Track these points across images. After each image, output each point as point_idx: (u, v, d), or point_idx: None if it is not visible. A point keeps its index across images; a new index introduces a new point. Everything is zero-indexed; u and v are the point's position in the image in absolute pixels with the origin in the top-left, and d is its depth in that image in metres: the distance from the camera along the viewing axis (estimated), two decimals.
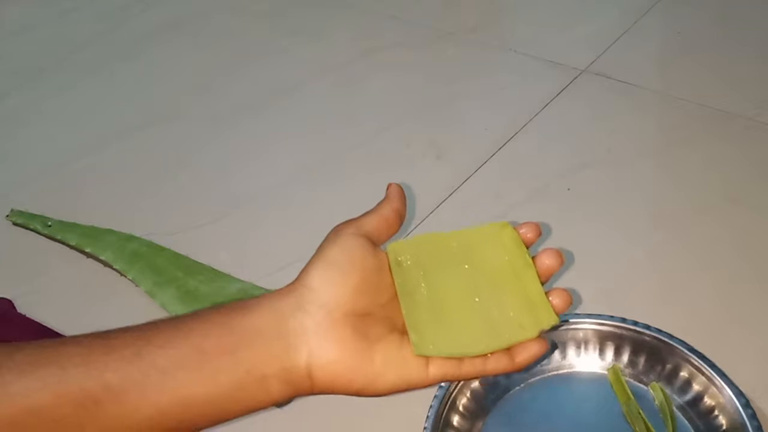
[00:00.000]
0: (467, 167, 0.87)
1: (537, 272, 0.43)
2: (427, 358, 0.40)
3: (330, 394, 0.41)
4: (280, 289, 0.41)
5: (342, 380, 0.39)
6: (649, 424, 0.54)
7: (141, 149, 0.96)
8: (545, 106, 0.95)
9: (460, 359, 0.41)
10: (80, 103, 1.06)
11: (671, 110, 0.94)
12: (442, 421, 0.55)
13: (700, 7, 1.11)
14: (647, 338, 0.58)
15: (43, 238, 0.83)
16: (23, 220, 0.84)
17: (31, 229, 0.83)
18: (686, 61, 1.02)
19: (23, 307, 0.70)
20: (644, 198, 0.82)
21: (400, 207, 0.45)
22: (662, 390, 0.57)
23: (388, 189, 0.46)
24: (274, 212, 0.85)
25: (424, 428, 0.54)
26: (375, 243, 0.43)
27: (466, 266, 0.44)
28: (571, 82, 0.98)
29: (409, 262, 0.43)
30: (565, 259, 0.44)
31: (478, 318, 0.42)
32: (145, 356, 0.36)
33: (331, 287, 0.39)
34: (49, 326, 0.65)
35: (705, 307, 0.68)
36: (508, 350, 0.42)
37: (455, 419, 0.57)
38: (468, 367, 0.41)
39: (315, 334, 0.39)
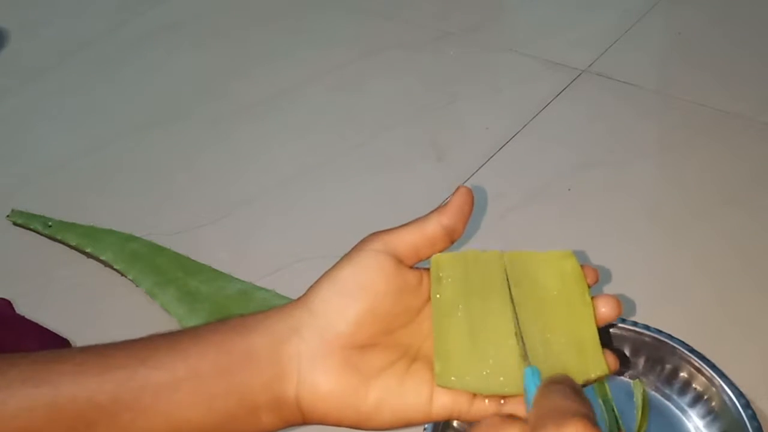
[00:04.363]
0: (467, 167, 0.87)
1: (595, 314, 0.38)
2: (431, 393, 0.37)
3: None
4: (285, 305, 0.38)
5: (332, 416, 0.36)
6: (621, 422, 0.54)
7: (141, 149, 0.96)
8: (545, 107, 0.95)
9: (472, 399, 0.37)
10: (80, 103, 1.06)
11: (671, 110, 0.94)
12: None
13: (700, 7, 1.11)
14: (647, 338, 0.58)
15: (44, 238, 0.83)
16: (23, 220, 0.84)
17: (32, 229, 0.83)
18: (686, 61, 1.02)
19: (23, 308, 0.70)
20: (644, 198, 0.82)
21: (453, 223, 0.38)
22: (643, 388, 0.57)
23: (454, 192, 0.39)
24: (274, 212, 0.85)
25: (424, 429, 0.54)
26: (405, 262, 0.38)
27: (515, 293, 0.38)
28: (571, 83, 0.98)
29: (450, 279, 0.38)
30: (623, 310, 0.39)
31: (515, 353, 0.36)
32: (139, 377, 0.35)
33: (332, 314, 0.36)
34: (48, 327, 0.65)
35: (705, 307, 0.68)
36: (515, 416, 0.36)
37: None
38: (479, 409, 0.37)
39: (306, 363, 0.36)
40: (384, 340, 0.37)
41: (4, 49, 1.19)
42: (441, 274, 0.39)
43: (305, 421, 0.37)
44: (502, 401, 0.37)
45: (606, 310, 0.38)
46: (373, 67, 1.07)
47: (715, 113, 0.91)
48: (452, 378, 0.36)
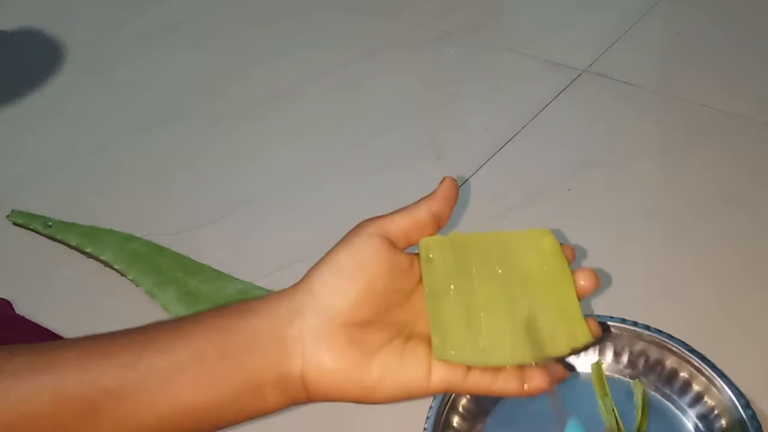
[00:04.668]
0: (467, 167, 0.87)
1: (575, 287, 0.40)
2: (429, 368, 0.39)
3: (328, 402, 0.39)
4: (285, 289, 0.39)
5: (337, 390, 0.38)
6: (620, 421, 0.55)
7: (141, 149, 0.96)
8: (546, 107, 0.95)
9: (467, 372, 0.39)
10: (81, 104, 1.06)
11: (671, 110, 0.94)
12: (442, 421, 0.55)
13: (700, 7, 1.11)
14: (647, 338, 0.58)
15: (43, 238, 0.83)
16: (23, 220, 0.84)
17: (32, 229, 0.84)
18: (686, 61, 1.02)
19: (23, 308, 0.70)
20: (644, 198, 0.82)
21: (440, 209, 0.41)
22: (643, 387, 0.57)
23: (440, 183, 0.42)
24: (274, 212, 0.85)
25: (424, 429, 0.54)
26: (398, 245, 0.40)
27: (501, 270, 0.41)
28: (571, 83, 0.98)
29: (440, 260, 0.40)
30: (600, 282, 0.41)
31: (507, 325, 0.39)
32: (143, 361, 0.36)
33: (332, 294, 0.38)
34: (48, 327, 0.65)
35: (705, 307, 0.68)
36: (520, 373, 0.39)
37: (455, 420, 0.57)
38: (474, 382, 0.39)
39: (310, 342, 0.37)
40: (381, 319, 0.39)
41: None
42: (431, 255, 0.40)
43: (309, 399, 0.38)
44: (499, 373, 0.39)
45: (585, 282, 0.40)
46: (373, 67, 1.07)
47: (715, 113, 0.91)
48: (452, 352, 0.38)
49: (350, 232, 0.40)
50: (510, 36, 1.13)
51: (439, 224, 0.41)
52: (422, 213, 0.40)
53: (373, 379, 0.38)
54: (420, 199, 0.41)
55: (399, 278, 0.39)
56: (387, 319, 0.39)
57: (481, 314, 0.39)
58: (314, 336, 0.37)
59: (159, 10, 1.25)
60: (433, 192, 0.41)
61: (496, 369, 0.39)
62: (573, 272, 0.41)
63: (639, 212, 0.80)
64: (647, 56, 1.04)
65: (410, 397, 0.39)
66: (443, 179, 0.42)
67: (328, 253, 0.39)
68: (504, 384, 0.39)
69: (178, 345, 0.36)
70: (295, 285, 0.39)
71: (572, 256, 0.42)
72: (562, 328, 0.40)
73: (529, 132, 0.91)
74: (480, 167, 0.87)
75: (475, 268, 0.41)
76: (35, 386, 0.34)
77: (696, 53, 1.02)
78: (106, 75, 1.12)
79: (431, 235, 0.41)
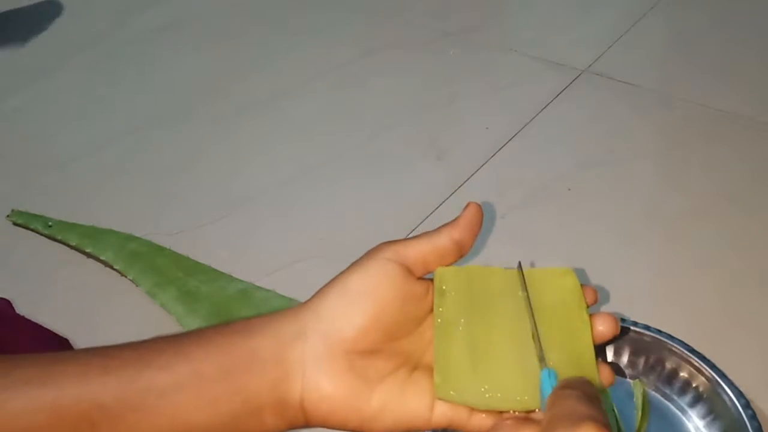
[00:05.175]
0: (467, 167, 0.87)
1: (592, 332, 0.38)
2: (432, 402, 0.37)
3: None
4: (291, 309, 0.38)
5: (336, 418, 0.37)
6: (620, 421, 0.55)
7: (141, 149, 0.96)
8: (545, 107, 0.95)
9: (471, 411, 0.37)
10: (81, 104, 1.07)
11: (671, 110, 0.94)
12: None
13: (700, 7, 1.11)
14: (647, 338, 0.58)
15: (44, 238, 0.83)
16: (24, 220, 0.84)
17: (32, 229, 0.84)
18: (686, 61, 1.02)
19: (23, 307, 0.70)
20: (644, 198, 0.82)
21: (463, 237, 0.39)
22: (643, 388, 0.57)
23: (464, 208, 0.40)
24: (274, 212, 0.85)
25: None
26: (414, 272, 0.38)
27: (515, 308, 0.39)
28: (571, 83, 0.98)
29: (453, 293, 0.39)
30: (620, 329, 0.39)
31: (515, 369, 0.37)
32: (143, 378, 0.35)
33: (338, 318, 0.36)
34: (48, 327, 0.65)
35: (705, 307, 0.68)
36: (526, 417, 0.36)
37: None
38: (477, 423, 0.37)
39: (311, 366, 0.36)
40: (387, 347, 0.38)
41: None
42: (444, 287, 0.39)
43: (308, 424, 0.38)
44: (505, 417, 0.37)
45: (603, 328, 0.39)
46: (373, 67, 1.07)
47: (715, 113, 0.91)
48: (451, 392, 0.37)
49: (366, 254, 0.38)
50: (510, 36, 1.13)
51: (461, 252, 0.40)
52: (443, 240, 0.39)
53: (373, 409, 0.37)
54: (442, 225, 0.40)
55: (410, 306, 0.38)
56: (393, 347, 0.38)
57: (489, 354, 0.38)
58: (315, 360, 0.36)
59: (159, 10, 1.25)
60: (456, 218, 0.40)
61: (501, 411, 0.37)
62: (592, 316, 0.39)
63: (639, 212, 0.80)
64: (647, 56, 1.04)
65: (410, 429, 0.38)
66: (467, 205, 0.40)
67: (340, 274, 0.38)
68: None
69: (179, 362, 0.36)
70: (303, 304, 0.38)
71: (594, 298, 0.40)
72: (573, 375, 0.37)
73: (529, 132, 0.91)
74: (480, 167, 0.87)
75: (488, 304, 0.39)
76: (33, 400, 0.34)
77: (696, 53, 1.03)
78: (106, 75, 1.12)
79: (452, 263, 0.40)
